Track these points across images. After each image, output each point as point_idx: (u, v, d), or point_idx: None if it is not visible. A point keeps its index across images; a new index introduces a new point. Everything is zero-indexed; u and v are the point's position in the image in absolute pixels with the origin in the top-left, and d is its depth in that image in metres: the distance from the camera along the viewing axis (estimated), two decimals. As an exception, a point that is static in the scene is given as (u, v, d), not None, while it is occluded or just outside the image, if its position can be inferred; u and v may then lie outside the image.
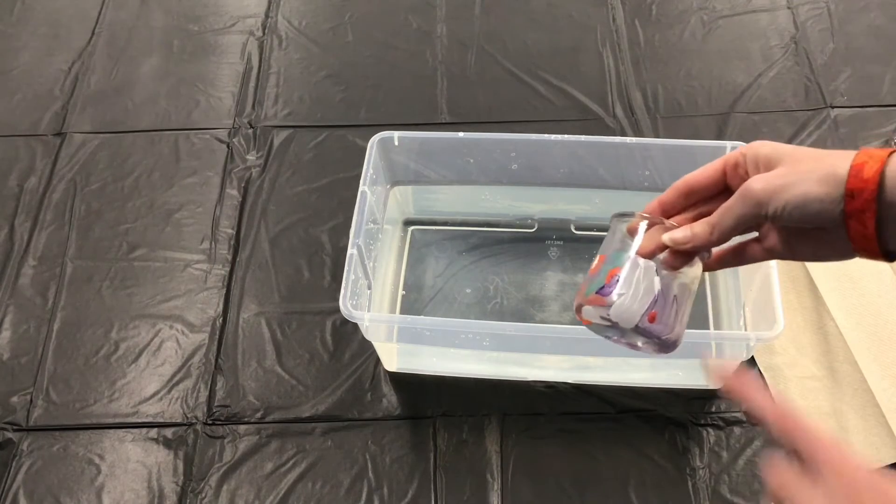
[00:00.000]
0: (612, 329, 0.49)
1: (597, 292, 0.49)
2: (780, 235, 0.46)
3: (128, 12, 1.25)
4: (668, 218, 0.50)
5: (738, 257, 0.49)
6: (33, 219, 1.02)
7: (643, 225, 0.49)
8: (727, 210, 0.45)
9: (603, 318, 0.49)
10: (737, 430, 0.82)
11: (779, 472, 0.39)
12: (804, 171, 0.42)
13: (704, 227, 0.47)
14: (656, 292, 0.48)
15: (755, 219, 0.44)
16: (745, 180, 0.46)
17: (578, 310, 0.50)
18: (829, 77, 1.10)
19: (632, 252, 0.49)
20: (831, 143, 1.03)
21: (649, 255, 0.49)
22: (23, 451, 0.84)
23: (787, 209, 0.42)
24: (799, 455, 0.39)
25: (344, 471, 0.82)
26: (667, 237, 0.48)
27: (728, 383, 0.44)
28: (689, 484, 0.80)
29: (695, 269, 0.49)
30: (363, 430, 0.84)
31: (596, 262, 0.51)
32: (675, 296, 0.48)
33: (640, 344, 0.49)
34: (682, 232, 0.48)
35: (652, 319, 0.48)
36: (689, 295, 0.50)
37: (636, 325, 0.48)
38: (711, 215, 0.47)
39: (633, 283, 0.48)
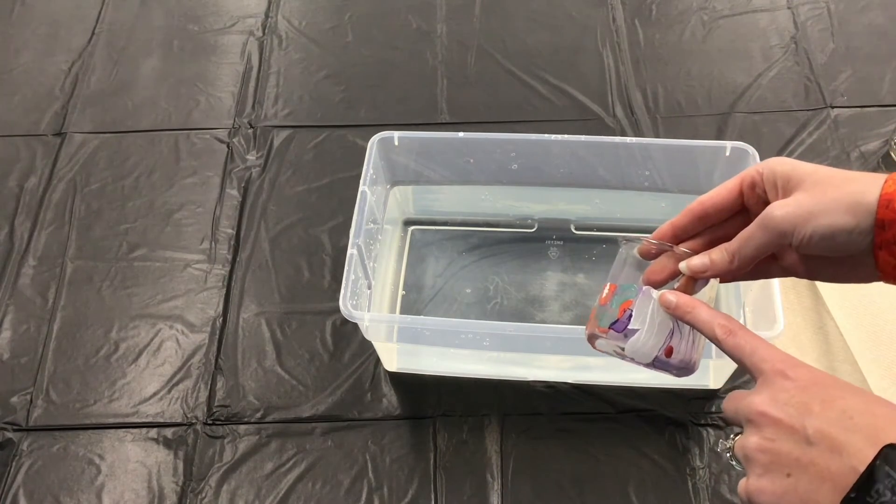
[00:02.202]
0: (627, 358, 0.48)
1: (610, 326, 0.47)
2: (801, 259, 0.45)
3: (128, 12, 1.25)
4: (680, 242, 0.48)
5: (752, 274, 0.47)
6: (33, 219, 1.02)
7: (653, 252, 0.48)
8: (748, 238, 0.44)
9: (617, 350, 0.48)
10: (737, 429, 0.82)
11: (732, 395, 0.42)
12: (830, 199, 0.41)
13: (723, 255, 0.45)
14: (672, 325, 0.46)
15: (777, 247, 0.43)
16: (762, 201, 0.45)
17: (591, 340, 0.49)
18: (829, 77, 1.10)
19: (643, 283, 0.48)
20: (831, 143, 1.03)
21: (660, 284, 0.47)
22: (23, 451, 0.84)
23: (813, 240, 0.41)
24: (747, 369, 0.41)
25: (344, 471, 0.82)
26: (684, 266, 0.46)
27: (675, 300, 0.45)
28: (689, 484, 0.80)
29: (710, 291, 0.48)
30: (363, 430, 0.84)
31: (606, 291, 0.49)
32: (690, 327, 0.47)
33: (655, 368, 0.48)
34: (699, 260, 0.46)
35: (668, 353, 0.46)
36: None
37: (653, 360, 0.47)
38: (730, 242, 0.45)
39: (647, 317, 0.46)
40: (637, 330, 0.47)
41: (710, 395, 0.84)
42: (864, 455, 0.34)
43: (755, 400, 0.39)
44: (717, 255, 0.45)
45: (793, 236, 0.41)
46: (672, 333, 0.46)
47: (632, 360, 0.48)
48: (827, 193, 0.41)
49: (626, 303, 0.47)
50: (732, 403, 0.41)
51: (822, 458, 0.35)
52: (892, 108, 1.06)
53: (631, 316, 0.47)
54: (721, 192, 0.47)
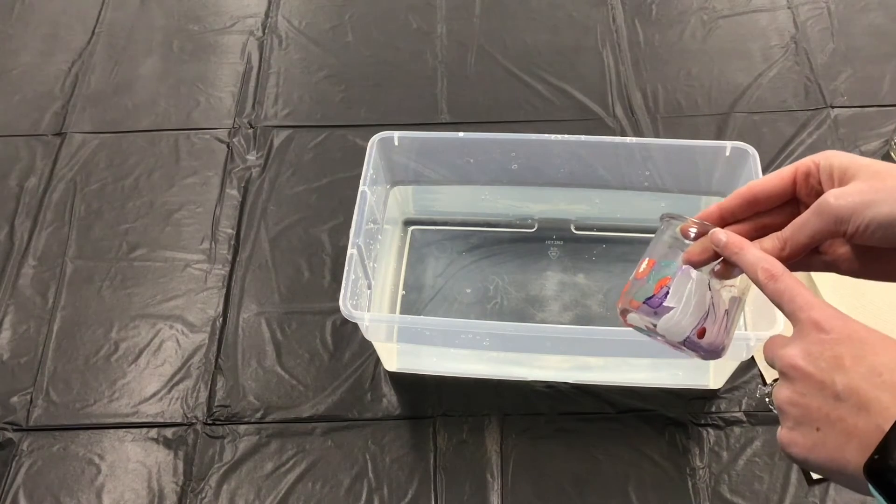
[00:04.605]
0: (657, 335, 0.48)
1: (645, 301, 0.47)
2: (852, 252, 0.45)
3: (128, 12, 1.25)
4: (726, 226, 0.47)
5: (794, 267, 0.46)
6: (33, 219, 1.02)
7: (694, 232, 0.47)
8: (802, 225, 0.43)
9: (649, 326, 0.48)
10: (737, 429, 0.82)
11: (771, 341, 0.42)
12: (889, 188, 0.40)
13: (775, 243, 0.44)
14: (707, 307, 0.46)
15: (832, 235, 0.42)
16: (815, 191, 0.44)
17: (623, 313, 0.49)
18: (829, 77, 1.10)
19: (682, 261, 0.47)
20: (831, 143, 1.03)
21: (699, 265, 0.47)
22: (23, 451, 0.84)
23: (870, 228, 0.40)
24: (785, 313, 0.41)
25: (344, 471, 0.82)
26: None
27: (725, 239, 0.45)
28: (689, 484, 0.80)
29: (746, 279, 0.47)
30: (363, 430, 0.84)
31: (644, 265, 0.49)
32: (725, 310, 0.47)
33: (684, 349, 0.48)
34: None
35: (701, 335, 0.46)
36: (740, 306, 0.48)
37: (685, 339, 0.46)
38: (783, 230, 0.44)
39: (683, 296, 0.46)
40: (672, 308, 0.46)
41: (710, 395, 0.84)
42: (889, 414, 0.34)
43: (789, 352, 0.39)
44: (769, 243, 0.45)
45: (849, 224, 0.41)
46: (707, 315, 0.46)
47: (662, 337, 0.47)
48: (886, 182, 0.41)
49: (663, 280, 0.47)
50: (770, 351, 0.41)
51: (850, 415, 0.36)
52: (892, 108, 1.06)
53: (667, 293, 0.46)
54: (773, 178, 0.46)
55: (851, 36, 1.14)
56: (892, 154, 1.00)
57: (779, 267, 0.42)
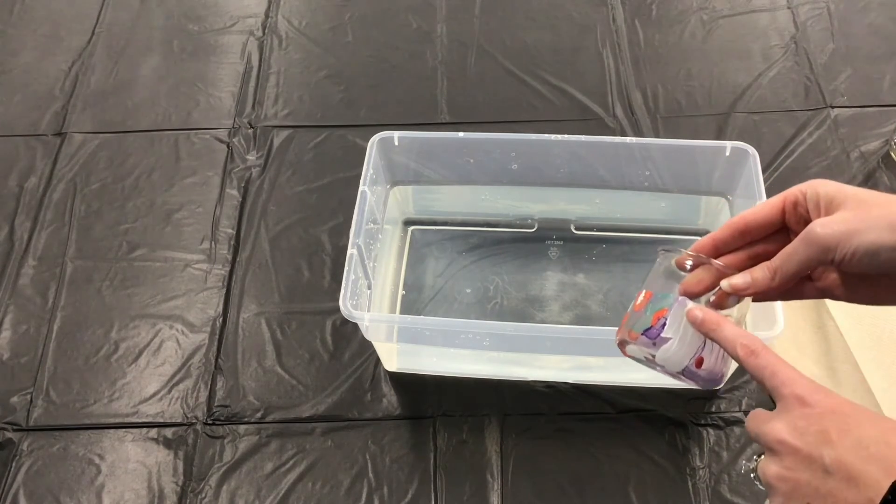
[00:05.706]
0: (656, 365, 0.49)
1: (643, 333, 0.48)
2: (841, 279, 0.45)
3: (128, 12, 1.25)
4: (719, 256, 0.48)
5: (788, 294, 0.47)
6: (33, 219, 1.02)
7: (689, 264, 0.48)
8: (790, 254, 0.44)
9: (648, 357, 0.48)
10: (737, 429, 0.82)
11: (753, 416, 0.42)
12: (874, 216, 0.41)
13: (765, 273, 0.45)
14: (704, 337, 0.47)
15: (819, 263, 0.43)
16: (804, 220, 0.45)
17: (622, 345, 0.50)
18: (829, 77, 1.10)
19: (679, 293, 0.48)
20: (831, 143, 1.03)
21: (696, 296, 0.48)
22: (23, 451, 0.84)
23: (856, 256, 0.41)
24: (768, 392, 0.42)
25: (344, 471, 0.82)
26: (726, 284, 0.47)
27: (701, 315, 0.46)
28: (689, 484, 0.80)
29: (743, 307, 0.48)
30: (363, 430, 0.84)
31: (641, 298, 0.50)
32: None
33: (682, 378, 0.49)
34: (741, 278, 0.46)
35: (699, 364, 0.47)
36: None
37: (683, 369, 0.47)
38: (772, 259, 0.45)
39: (680, 327, 0.47)
40: (669, 339, 0.47)
41: (710, 396, 0.84)
42: (879, 487, 0.34)
43: (775, 426, 0.39)
44: (759, 272, 0.45)
45: (836, 252, 0.42)
46: (704, 345, 0.47)
47: (662, 367, 0.48)
48: (871, 211, 0.41)
49: (660, 311, 0.48)
50: (754, 426, 0.42)
51: (840, 489, 0.36)
52: (892, 108, 1.06)
53: (665, 324, 0.47)
54: (763, 208, 0.47)
55: (851, 36, 1.14)
56: (893, 154, 1.00)
57: (758, 343, 0.42)
